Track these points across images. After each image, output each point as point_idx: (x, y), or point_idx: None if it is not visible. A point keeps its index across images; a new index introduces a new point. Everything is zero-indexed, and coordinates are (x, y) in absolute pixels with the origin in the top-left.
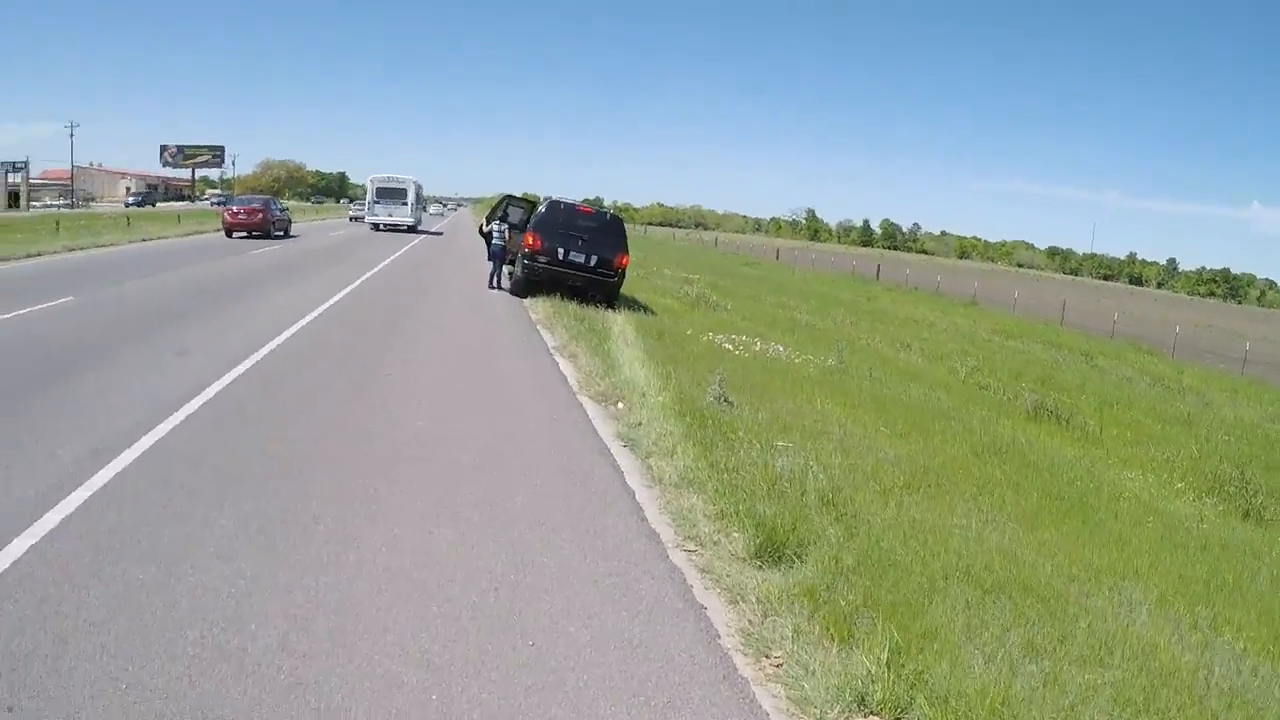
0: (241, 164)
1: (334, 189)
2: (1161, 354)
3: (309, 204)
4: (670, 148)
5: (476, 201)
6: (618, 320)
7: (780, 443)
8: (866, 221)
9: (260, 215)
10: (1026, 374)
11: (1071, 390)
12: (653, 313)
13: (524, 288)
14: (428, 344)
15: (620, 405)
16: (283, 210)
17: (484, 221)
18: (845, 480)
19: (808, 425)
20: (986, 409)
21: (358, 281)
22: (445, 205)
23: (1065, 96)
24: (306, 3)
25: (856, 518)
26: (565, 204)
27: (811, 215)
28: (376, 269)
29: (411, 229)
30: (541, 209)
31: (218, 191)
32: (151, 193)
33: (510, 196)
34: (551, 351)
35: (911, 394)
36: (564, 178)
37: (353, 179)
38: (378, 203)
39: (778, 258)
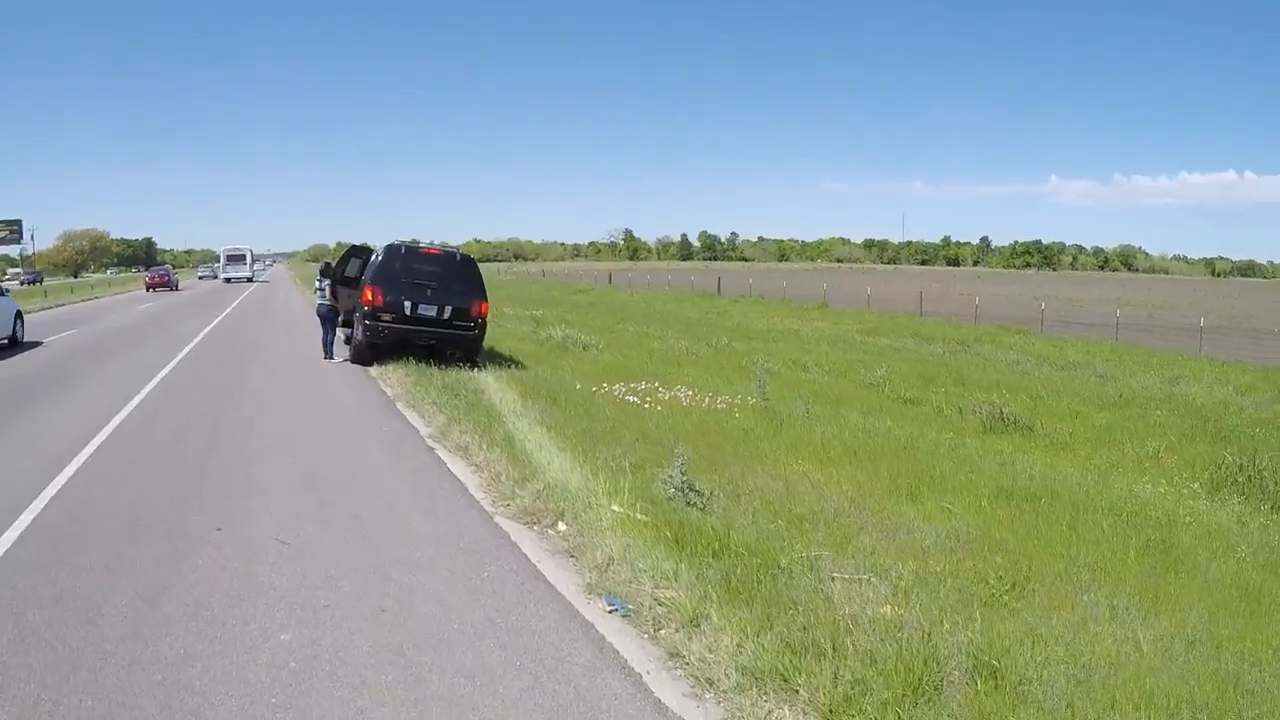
0: (42, 236)
1: (140, 257)
2: (1030, 331)
3: (108, 274)
4: (481, 184)
5: (290, 256)
6: (491, 382)
7: (836, 574)
8: (684, 235)
9: None
10: (937, 378)
11: (989, 387)
12: (522, 365)
13: (367, 354)
14: (258, 454)
15: (562, 526)
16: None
17: (318, 280)
18: (972, 627)
19: (814, 511)
20: (940, 429)
21: (167, 368)
22: (266, 263)
23: (863, 93)
24: (101, 65)
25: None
26: (406, 247)
27: (629, 235)
28: (196, 340)
29: (249, 280)
30: (377, 256)
31: (19, 270)
32: None
33: (354, 248)
34: (428, 443)
35: (860, 427)
36: (375, 224)
37: (161, 244)
38: (228, 264)
39: (610, 281)
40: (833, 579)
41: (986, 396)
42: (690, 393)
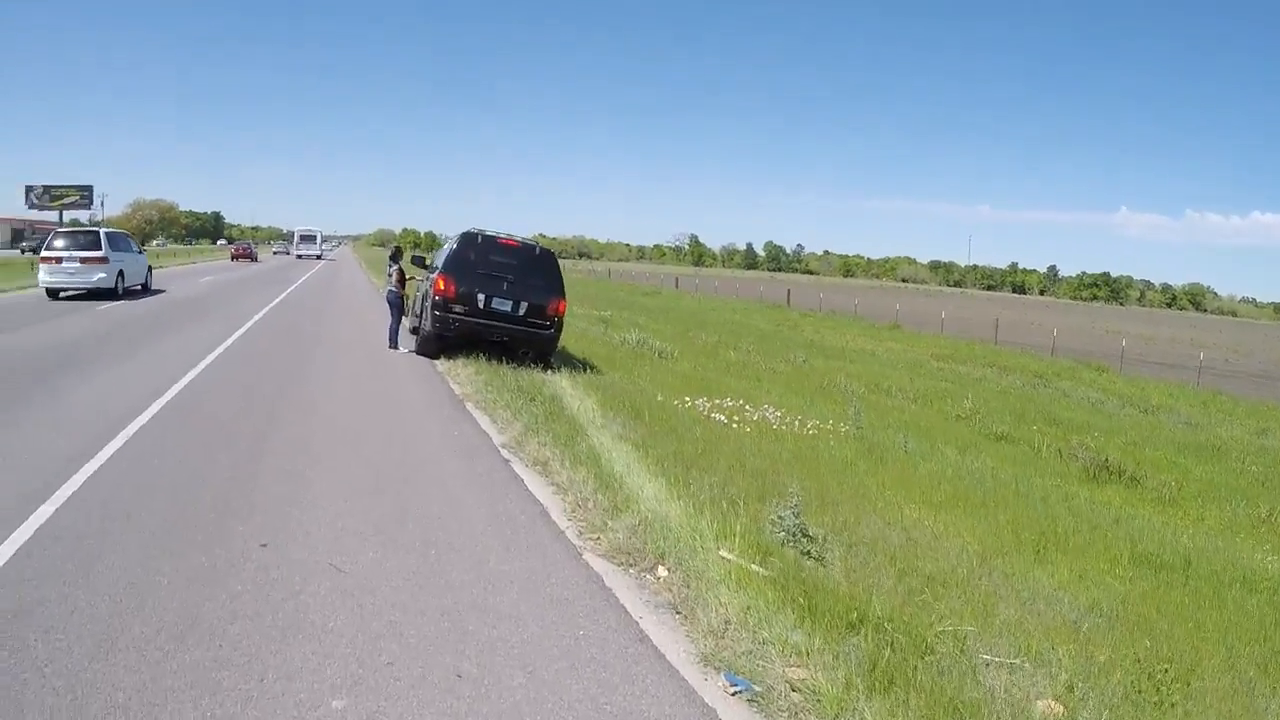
0: (111, 204)
1: (209, 230)
2: (1108, 369)
3: (181, 245)
4: (550, 177)
5: (355, 239)
6: (566, 387)
7: (987, 655)
8: (750, 245)
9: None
10: (1025, 414)
11: (1080, 428)
12: (597, 369)
13: (434, 346)
14: (315, 452)
15: (663, 572)
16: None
17: (389, 266)
18: None
19: (943, 570)
20: (1040, 472)
21: (248, 323)
22: (333, 244)
23: (934, 113)
24: (175, 40)
25: None
26: (483, 236)
27: (695, 240)
28: (275, 302)
29: (318, 257)
30: (452, 244)
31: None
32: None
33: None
34: (504, 454)
35: (961, 466)
36: (444, 212)
37: (228, 219)
38: (301, 243)
39: (676, 286)
40: (986, 664)
41: (1080, 438)
42: (778, 414)
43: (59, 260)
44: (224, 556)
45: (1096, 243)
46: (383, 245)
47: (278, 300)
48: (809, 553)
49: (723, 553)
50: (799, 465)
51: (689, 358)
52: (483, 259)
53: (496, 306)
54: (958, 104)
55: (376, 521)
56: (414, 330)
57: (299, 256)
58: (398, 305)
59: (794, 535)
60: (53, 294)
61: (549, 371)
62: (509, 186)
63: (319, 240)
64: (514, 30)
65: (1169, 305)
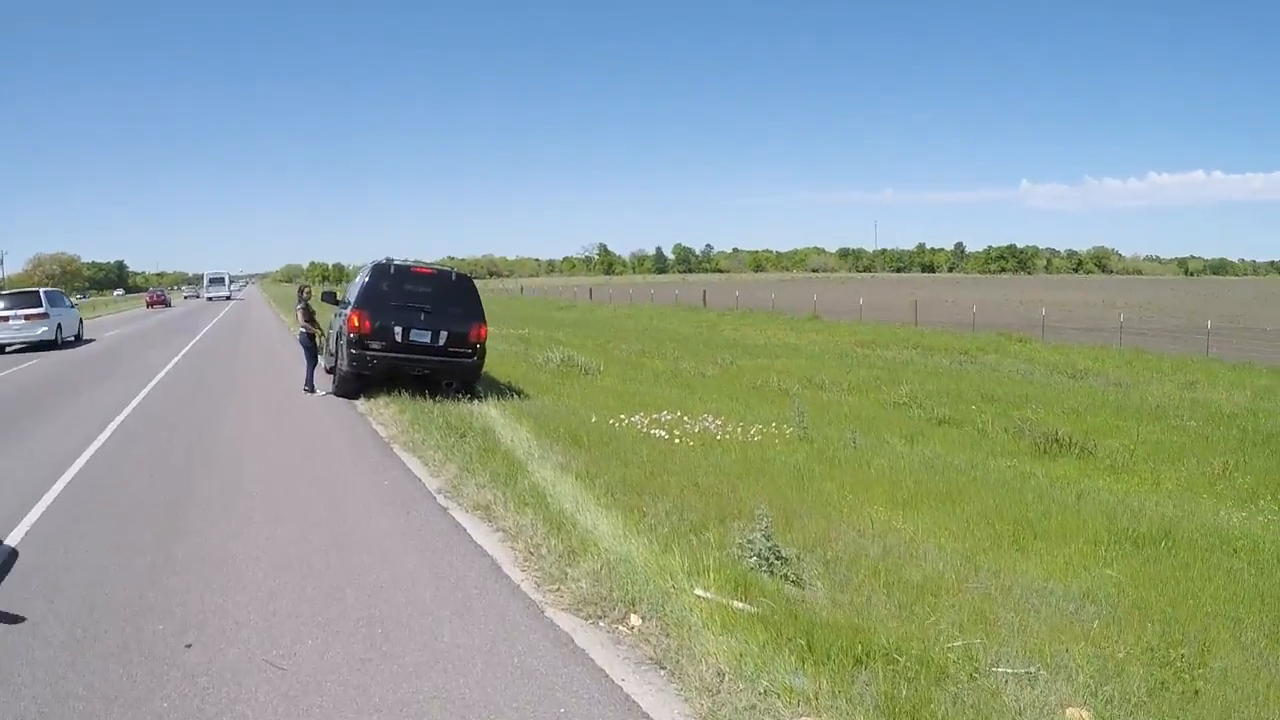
0: (11, 261)
1: (112, 280)
2: (1030, 339)
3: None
4: (455, 199)
5: (263, 276)
6: (496, 417)
7: (1001, 668)
8: (659, 249)
9: None
10: (962, 394)
11: (1018, 403)
12: (524, 393)
13: (353, 386)
14: (237, 520)
15: (636, 621)
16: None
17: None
18: None
19: (928, 577)
20: (991, 454)
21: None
22: (239, 284)
23: (832, 102)
24: (65, 87)
25: None
26: (395, 266)
27: (604, 249)
28: (192, 343)
29: (227, 298)
30: (364, 276)
31: None
32: None
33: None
34: (440, 501)
35: (913, 457)
36: (350, 243)
37: (133, 266)
38: (210, 285)
39: (590, 297)
40: (1004, 678)
41: (1021, 413)
42: (718, 422)
43: (5, 319)
44: (144, 666)
45: (1001, 217)
46: (290, 281)
47: (192, 344)
48: (783, 575)
49: (699, 591)
50: (753, 477)
51: (615, 371)
52: (397, 290)
53: (415, 339)
54: (855, 90)
55: (312, 600)
56: (330, 370)
57: (209, 299)
58: (310, 347)
59: (767, 559)
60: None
61: (475, 401)
62: (412, 212)
63: (227, 281)
64: (400, 53)
65: (1075, 270)
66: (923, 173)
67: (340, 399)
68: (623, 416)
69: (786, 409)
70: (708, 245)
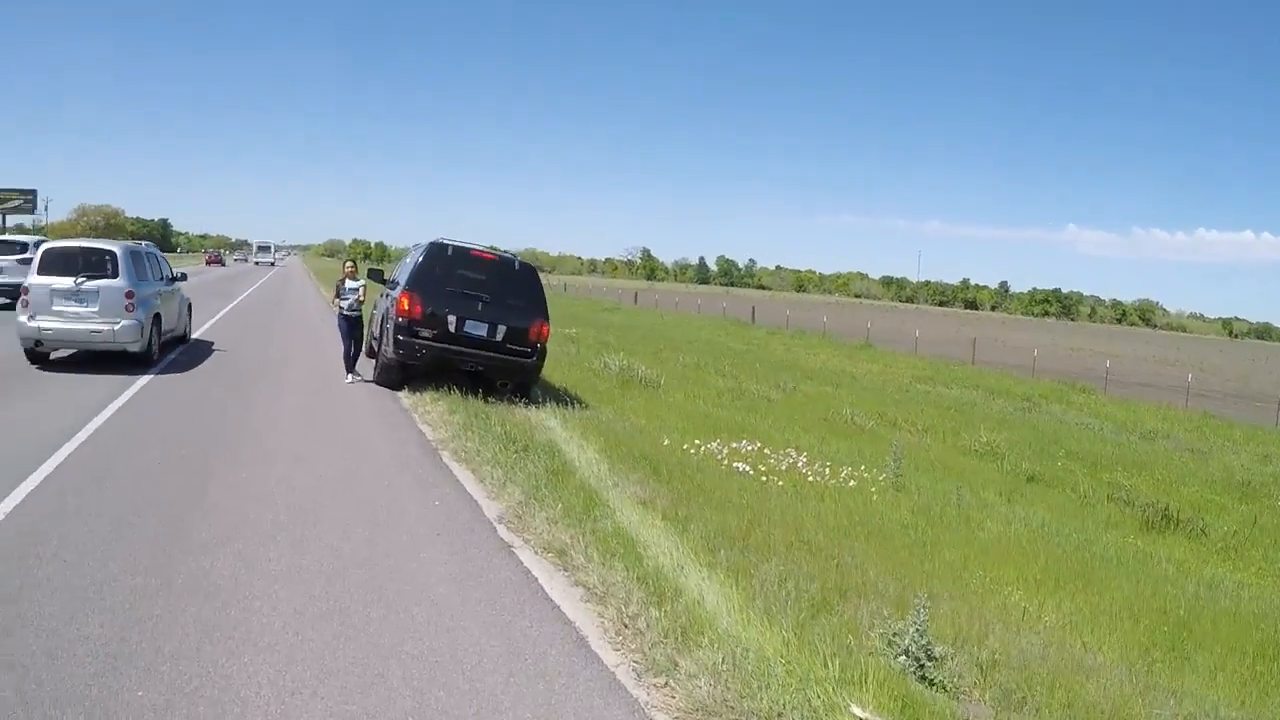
0: (55, 209)
1: (155, 238)
2: (1093, 389)
3: None
4: (502, 188)
5: (305, 249)
6: (557, 429)
7: None
8: (702, 259)
9: None
10: (1041, 447)
11: (1105, 464)
12: (583, 402)
13: (397, 376)
14: (256, 546)
15: None
16: None
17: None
18: None
19: (1113, 702)
20: (1096, 524)
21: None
22: (282, 254)
23: (883, 129)
24: (118, 43)
25: None
26: (454, 247)
27: (647, 254)
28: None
29: (271, 264)
30: (416, 256)
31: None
32: None
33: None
34: (503, 534)
35: (1021, 522)
36: (391, 223)
37: (176, 226)
38: (258, 252)
39: (635, 301)
40: None
41: (1110, 476)
42: (803, 459)
43: (53, 298)
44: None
45: (1045, 259)
46: (332, 256)
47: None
48: (938, 682)
49: (856, 710)
50: (863, 536)
51: (677, 386)
52: (453, 274)
53: (470, 330)
54: (907, 120)
55: (343, 673)
56: (370, 354)
57: (256, 264)
58: (348, 331)
59: (918, 660)
60: None
61: (532, 406)
62: (459, 198)
63: (273, 250)
64: (462, 38)
65: (1119, 321)
66: (969, 207)
67: (381, 389)
68: (697, 442)
69: (866, 447)
70: (751, 260)
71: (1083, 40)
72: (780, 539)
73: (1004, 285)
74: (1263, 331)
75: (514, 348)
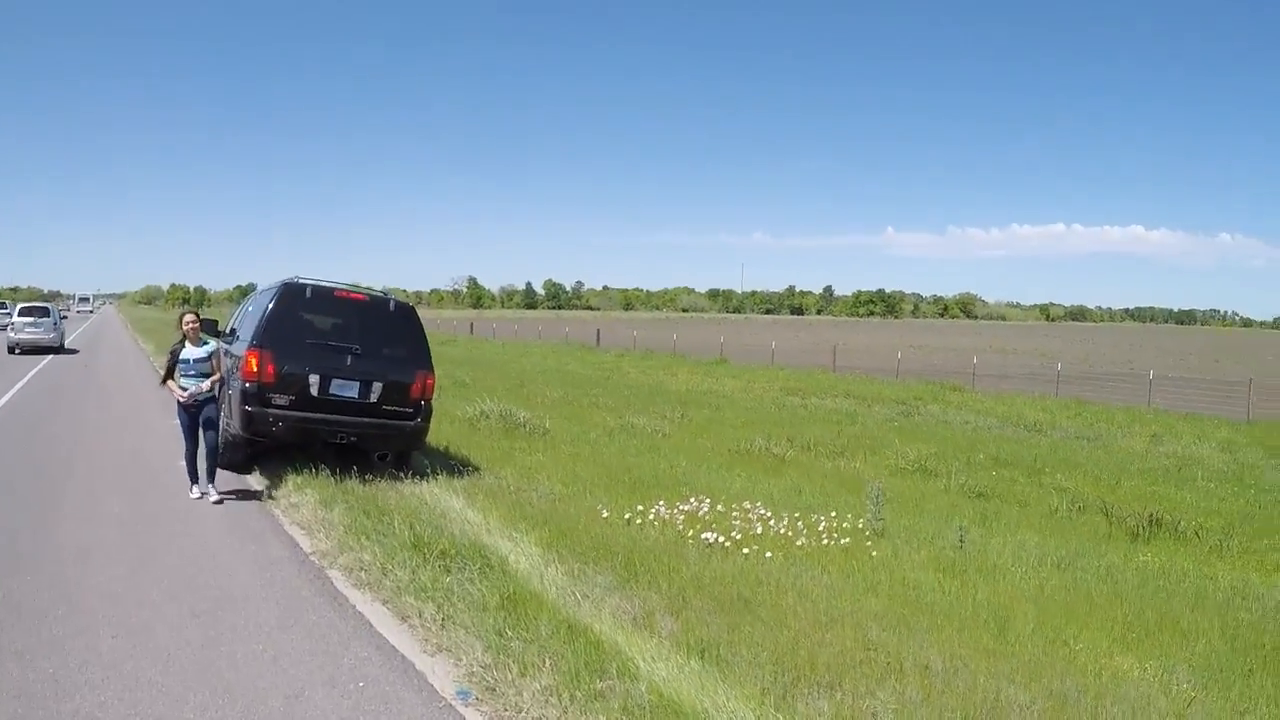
0: None
1: None
2: (963, 387)
3: None
4: (316, 225)
5: (120, 297)
6: (469, 512)
7: None
8: (529, 283)
9: None
10: (965, 456)
11: (1028, 466)
12: (472, 464)
13: (243, 454)
14: None
15: None
16: None
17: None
18: None
19: None
20: (1093, 541)
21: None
22: (97, 304)
23: (705, 146)
24: None
25: None
26: (313, 288)
27: (474, 282)
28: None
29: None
30: (266, 302)
31: None
32: None
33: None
34: None
35: (1028, 553)
36: (205, 268)
37: None
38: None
39: (471, 331)
40: None
41: (1049, 479)
42: (762, 511)
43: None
44: None
45: (867, 262)
46: (149, 303)
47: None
48: None
49: None
50: (915, 619)
51: (561, 426)
52: (313, 323)
53: (338, 392)
54: (730, 134)
55: None
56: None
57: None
58: (191, 427)
59: None
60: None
61: (421, 480)
62: (275, 237)
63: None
64: (265, 68)
65: (941, 314)
66: (792, 217)
67: (223, 475)
68: (639, 507)
69: (804, 482)
70: (578, 282)
71: (889, 43)
72: (842, 651)
73: (828, 289)
74: (1076, 314)
75: (394, 409)
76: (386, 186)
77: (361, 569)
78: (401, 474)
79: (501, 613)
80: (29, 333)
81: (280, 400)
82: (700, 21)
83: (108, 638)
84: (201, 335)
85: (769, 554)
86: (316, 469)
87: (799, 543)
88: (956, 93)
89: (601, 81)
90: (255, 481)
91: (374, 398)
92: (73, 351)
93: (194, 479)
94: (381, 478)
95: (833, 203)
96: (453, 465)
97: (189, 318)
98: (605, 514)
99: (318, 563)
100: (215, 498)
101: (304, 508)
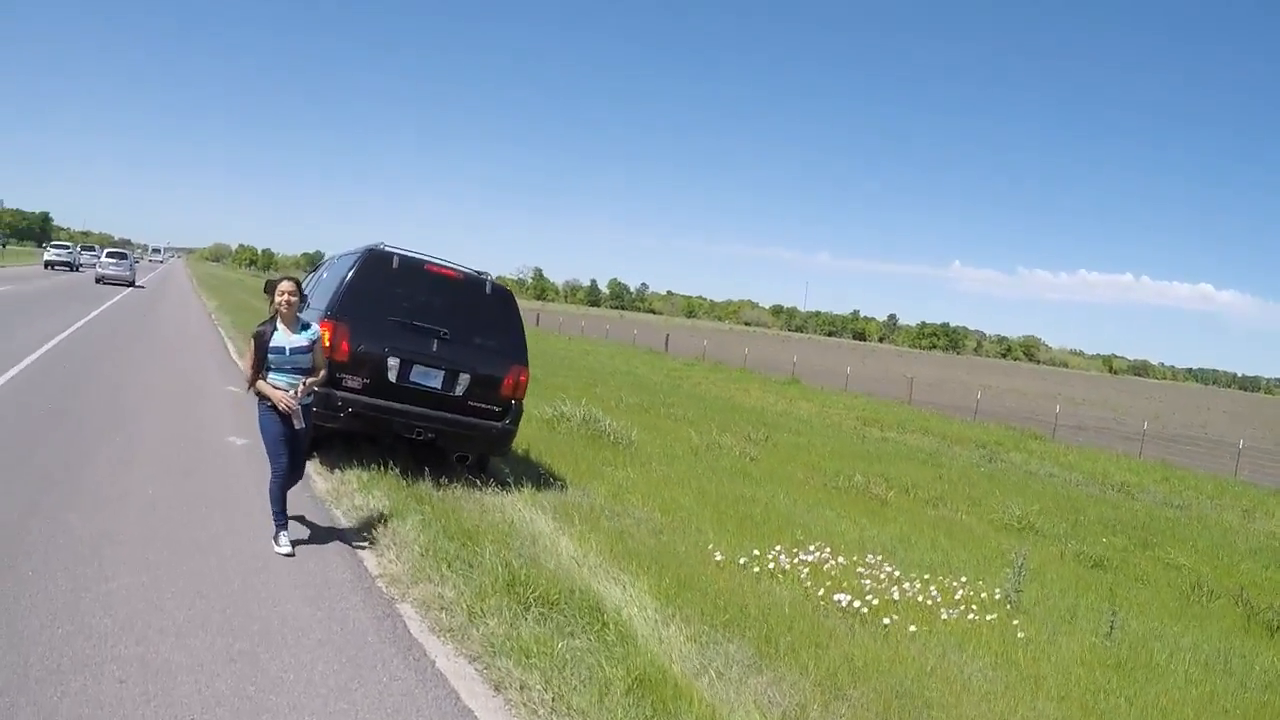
0: None
1: (34, 232)
2: (1044, 436)
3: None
4: (394, 198)
5: (189, 252)
6: (563, 541)
7: None
8: (594, 281)
9: None
10: (1075, 517)
11: (1137, 534)
12: (559, 477)
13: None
14: None
15: None
16: None
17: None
18: None
19: None
20: (1229, 635)
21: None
22: (164, 256)
23: (774, 160)
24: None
25: None
26: (401, 259)
27: (539, 274)
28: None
29: (131, 283)
30: (345, 270)
31: None
32: None
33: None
34: None
35: (1189, 650)
36: (274, 231)
37: (57, 221)
38: (106, 260)
39: (538, 323)
40: None
41: (1160, 554)
42: (889, 569)
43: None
44: None
45: (930, 294)
46: (218, 260)
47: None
48: None
49: None
50: None
51: (646, 439)
52: (397, 298)
53: (419, 380)
54: (797, 154)
55: None
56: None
57: (101, 279)
58: (282, 442)
59: None
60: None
61: (502, 490)
62: (347, 205)
63: (131, 258)
64: (353, 45)
65: (1004, 355)
66: (857, 240)
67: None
68: (756, 552)
69: (910, 532)
70: (643, 284)
71: (965, 80)
72: None
73: (892, 317)
74: (1139, 368)
75: (481, 406)
76: (461, 168)
77: (442, 608)
78: (479, 481)
79: (630, 700)
80: (113, 269)
81: (352, 383)
82: (777, 37)
83: (113, 680)
84: (298, 313)
85: (912, 627)
86: (385, 465)
87: (943, 615)
88: (1032, 128)
89: (674, 88)
90: (313, 471)
91: (459, 391)
92: (141, 288)
93: (281, 522)
94: (458, 483)
95: (898, 229)
96: (536, 474)
97: (286, 286)
98: (719, 556)
99: (387, 591)
100: (289, 549)
101: (369, 514)
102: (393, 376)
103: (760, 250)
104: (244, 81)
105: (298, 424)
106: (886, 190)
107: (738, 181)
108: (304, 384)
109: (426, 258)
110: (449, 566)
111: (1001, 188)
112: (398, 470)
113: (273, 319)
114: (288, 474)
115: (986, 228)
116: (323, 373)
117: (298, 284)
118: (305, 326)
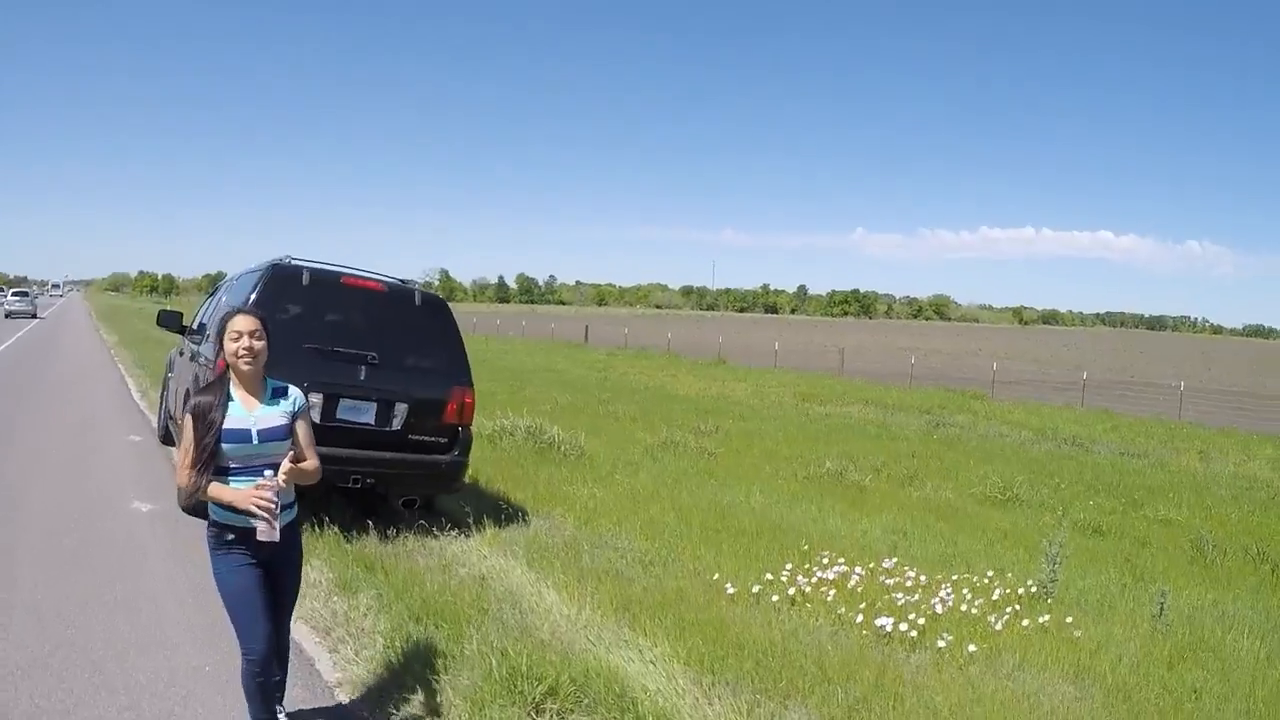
0: None
1: None
2: (985, 395)
3: None
4: (287, 207)
5: (88, 284)
6: (528, 583)
7: None
8: (501, 277)
9: None
10: (1052, 481)
11: (1115, 489)
12: (515, 503)
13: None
14: None
15: None
16: None
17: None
18: None
19: None
20: (1242, 591)
21: None
22: (61, 290)
23: (677, 140)
24: None
25: None
26: (312, 273)
27: (446, 275)
28: None
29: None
30: (249, 288)
31: None
32: None
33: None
34: None
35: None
36: (169, 252)
37: None
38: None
39: None
40: None
41: (1150, 512)
42: (911, 574)
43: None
44: None
45: (837, 262)
46: (117, 290)
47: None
48: None
49: None
50: None
51: (596, 445)
52: (313, 319)
53: (348, 417)
54: (700, 131)
55: None
56: (163, 438)
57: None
58: (261, 593)
59: None
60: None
61: (455, 530)
62: (246, 220)
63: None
64: (238, 52)
65: (915, 316)
66: (762, 214)
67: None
68: (768, 576)
69: (904, 522)
70: (551, 276)
71: (865, 48)
72: None
73: (802, 288)
74: (1048, 317)
75: (424, 439)
76: (356, 173)
77: None
78: (436, 524)
79: None
80: (17, 305)
81: None
82: (670, 12)
83: None
84: (266, 377)
85: (972, 646)
86: (321, 524)
87: (994, 624)
88: (925, 92)
89: (566, 71)
90: None
91: (397, 424)
92: (42, 318)
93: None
94: (408, 531)
95: (802, 201)
96: (492, 506)
97: (243, 325)
98: (730, 589)
99: (354, 711)
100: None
101: (315, 592)
102: (316, 416)
103: (666, 232)
104: (128, 103)
105: (266, 537)
106: (788, 161)
107: (638, 164)
108: (284, 474)
109: (342, 269)
110: (428, 667)
111: (897, 152)
112: (336, 528)
113: (220, 380)
114: (269, 653)
115: (887, 192)
116: (314, 462)
117: (263, 322)
118: (279, 393)
